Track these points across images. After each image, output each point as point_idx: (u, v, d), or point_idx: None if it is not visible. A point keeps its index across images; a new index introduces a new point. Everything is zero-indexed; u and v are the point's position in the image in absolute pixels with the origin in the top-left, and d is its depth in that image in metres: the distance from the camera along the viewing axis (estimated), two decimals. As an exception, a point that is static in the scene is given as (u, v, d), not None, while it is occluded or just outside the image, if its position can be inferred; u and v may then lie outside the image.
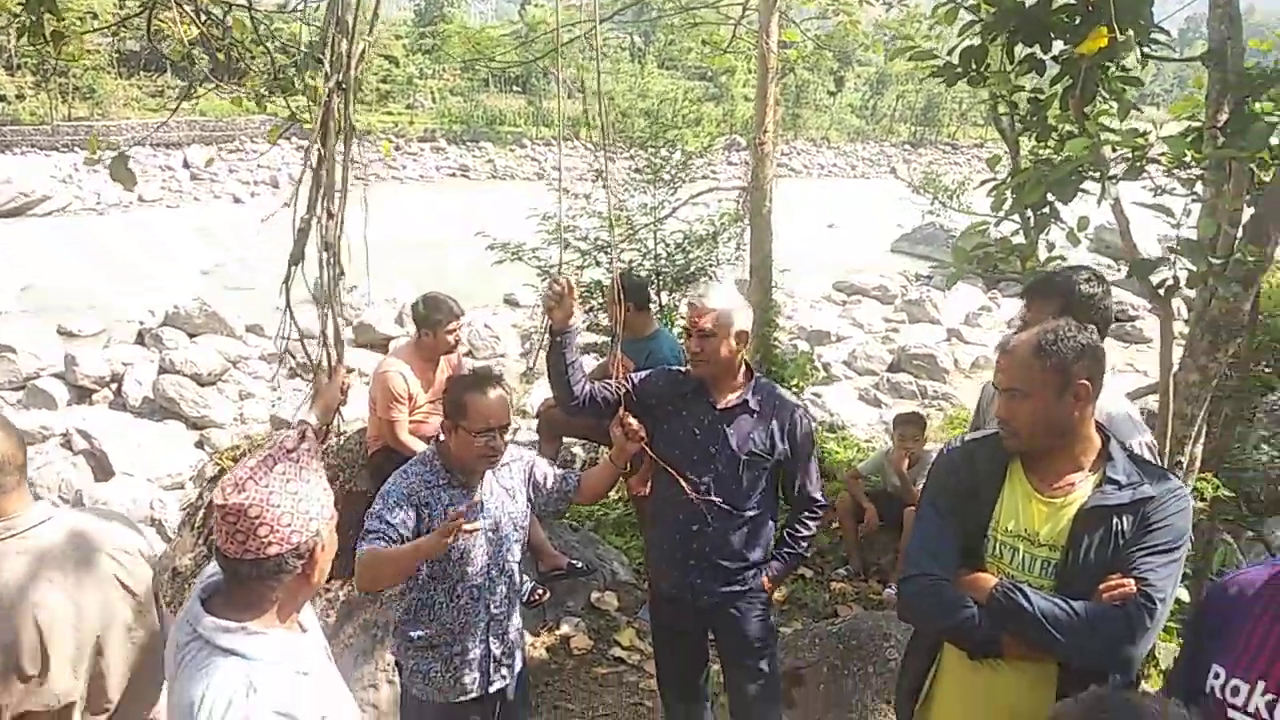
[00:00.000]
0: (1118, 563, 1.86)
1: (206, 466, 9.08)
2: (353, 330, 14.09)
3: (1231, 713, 1.62)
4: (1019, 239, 4.51)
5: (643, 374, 2.91)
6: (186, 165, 31.68)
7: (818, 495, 2.92)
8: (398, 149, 36.98)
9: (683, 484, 2.71)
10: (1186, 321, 4.64)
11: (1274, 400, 6.93)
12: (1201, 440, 4.90)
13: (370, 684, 3.94)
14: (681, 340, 2.83)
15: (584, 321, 8.33)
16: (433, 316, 4.23)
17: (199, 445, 10.97)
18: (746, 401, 2.79)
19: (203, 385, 12.19)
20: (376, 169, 33.08)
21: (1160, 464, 2.33)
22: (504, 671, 2.77)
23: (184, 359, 12.41)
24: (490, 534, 2.64)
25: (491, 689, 2.75)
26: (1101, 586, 1.85)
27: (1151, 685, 3.76)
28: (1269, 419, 6.87)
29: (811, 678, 3.66)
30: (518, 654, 2.84)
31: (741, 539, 2.81)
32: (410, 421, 4.21)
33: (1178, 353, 4.26)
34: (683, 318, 7.03)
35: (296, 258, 2.60)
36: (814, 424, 2.93)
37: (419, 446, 4.00)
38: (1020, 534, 1.94)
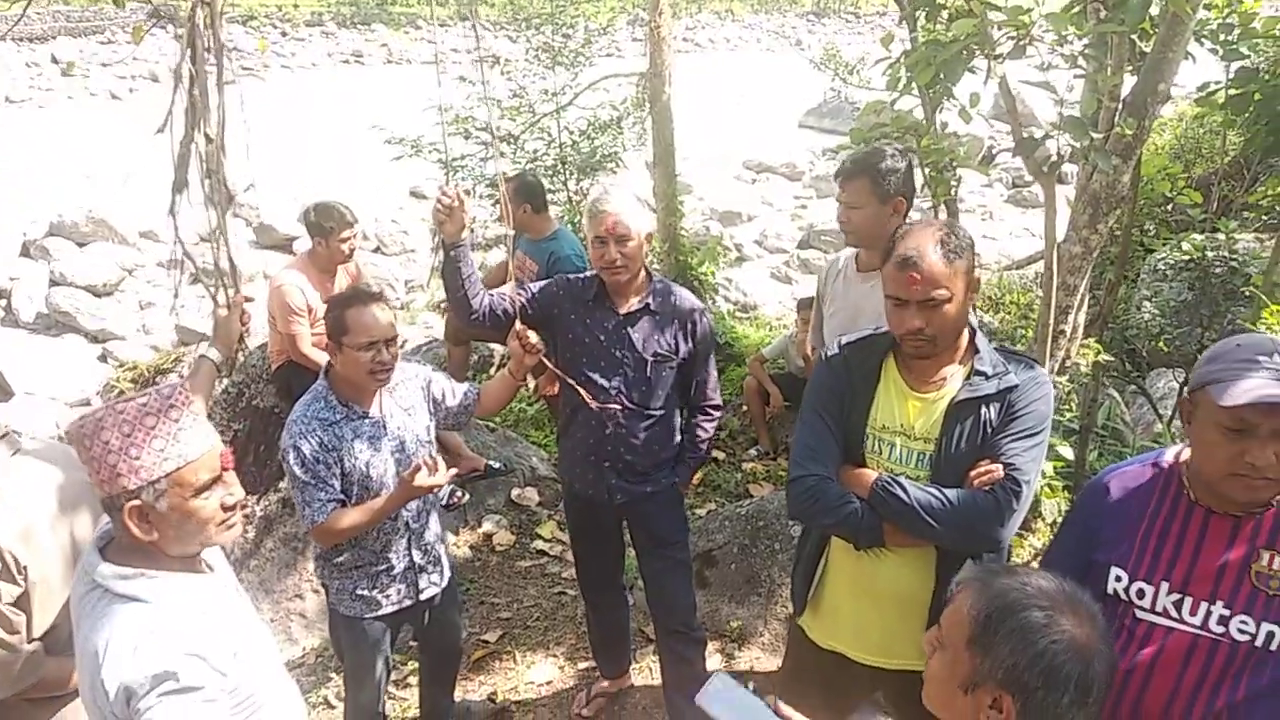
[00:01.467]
0: (986, 449, 1.98)
1: (115, 380, 8.81)
2: (254, 232, 13.58)
3: (1140, 614, 1.71)
4: (919, 113, 4.57)
5: (541, 284, 2.90)
6: (55, 61, 29.21)
7: (715, 398, 2.99)
8: (284, 34, 34.70)
9: (581, 392, 2.74)
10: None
11: (1155, 260, 7.25)
12: (1084, 308, 5.17)
13: (295, 595, 4.01)
14: (593, 249, 2.78)
15: (493, 215, 8.17)
16: (324, 224, 4.12)
17: (102, 359, 10.59)
18: (648, 305, 2.81)
19: (99, 296, 11.65)
20: (266, 58, 31.12)
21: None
22: (433, 578, 2.84)
23: (75, 270, 11.80)
24: (397, 454, 2.66)
25: (422, 597, 2.82)
26: (972, 474, 1.97)
27: (1039, 538, 4.06)
28: (1151, 278, 7.21)
29: (723, 558, 3.85)
30: (443, 559, 2.91)
31: (653, 436, 2.88)
32: (312, 334, 4.15)
33: (1063, 226, 4.43)
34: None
35: (179, 185, 2.49)
36: (712, 322, 2.96)
37: (323, 358, 3.95)
38: (897, 429, 2.04)
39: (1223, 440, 1.57)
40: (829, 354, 2.15)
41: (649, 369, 2.80)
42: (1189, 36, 3.87)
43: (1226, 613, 1.64)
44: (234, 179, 2.86)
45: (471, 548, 4.37)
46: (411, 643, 3.51)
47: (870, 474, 2.02)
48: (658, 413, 2.86)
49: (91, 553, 1.63)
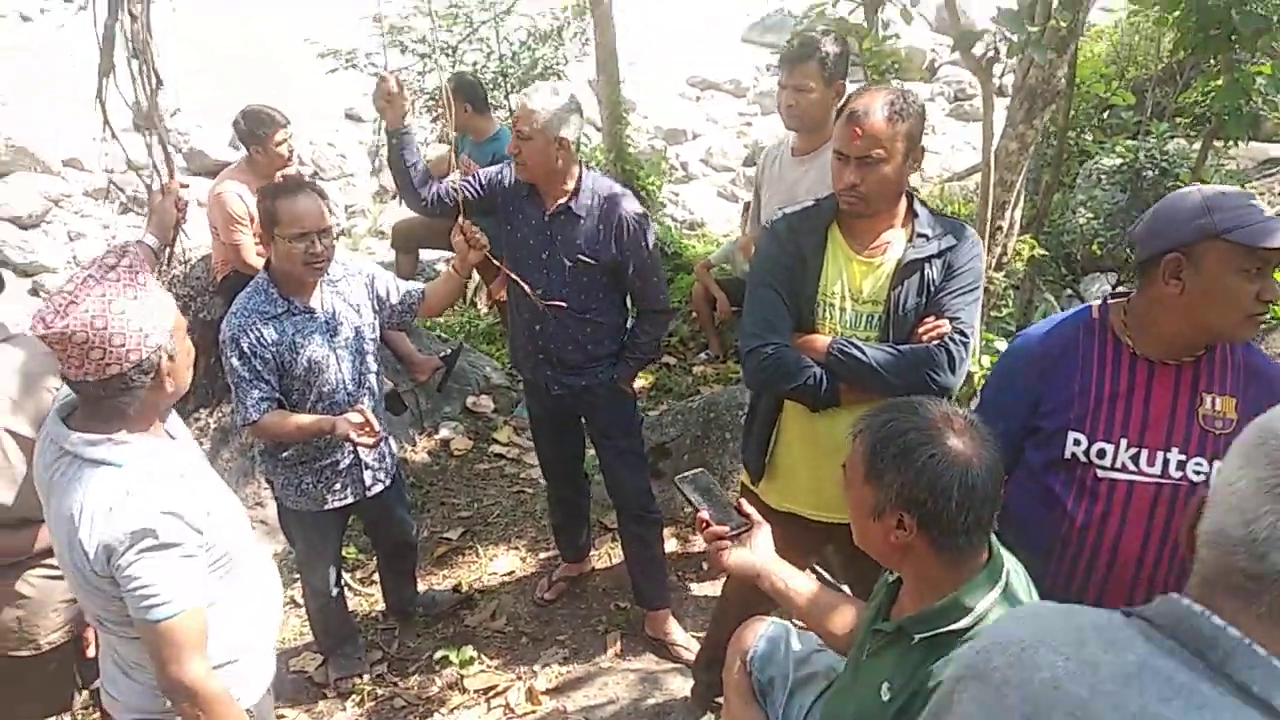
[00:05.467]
0: (931, 307, 2.09)
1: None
2: (184, 158, 13.11)
3: (1101, 473, 1.77)
4: (857, 17, 4.58)
5: (487, 170, 2.89)
6: (-46, -19, 27.47)
7: (657, 304, 2.93)
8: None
9: (524, 287, 2.77)
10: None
11: (1091, 165, 7.40)
12: (1020, 205, 5.30)
13: (255, 503, 4.03)
14: None
15: (435, 132, 8.01)
16: (258, 131, 4.03)
17: (33, 293, 10.28)
18: (570, 207, 2.76)
19: (25, 229, 11.20)
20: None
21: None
22: (380, 475, 2.89)
23: (-2, 201, 11.35)
24: (341, 350, 2.68)
25: (370, 494, 2.88)
26: (920, 330, 2.08)
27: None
28: (1087, 184, 7.36)
29: (676, 450, 3.97)
30: (389, 457, 2.95)
31: (583, 335, 2.88)
32: (256, 244, 4.09)
33: (999, 125, 4.51)
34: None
35: (105, 69, 2.42)
36: (648, 227, 2.84)
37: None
38: (846, 294, 2.12)
39: (1244, 284, 1.60)
40: (774, 224, 2.21)
41: (568, 272, 2.78)
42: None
43: (1183, 458, 1.73)
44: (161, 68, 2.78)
45: (430, 453, 4.43)
46: (364, 536, 3.60)
47: (823, 339, 2.10)
48: (589, 315, 2.85)
49: (55, 422, 1.64)
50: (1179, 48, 5.96)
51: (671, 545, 3.64)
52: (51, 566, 2.18)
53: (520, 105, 2.70)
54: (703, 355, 5.48)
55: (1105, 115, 7.85)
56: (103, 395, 1.59)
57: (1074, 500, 1.80)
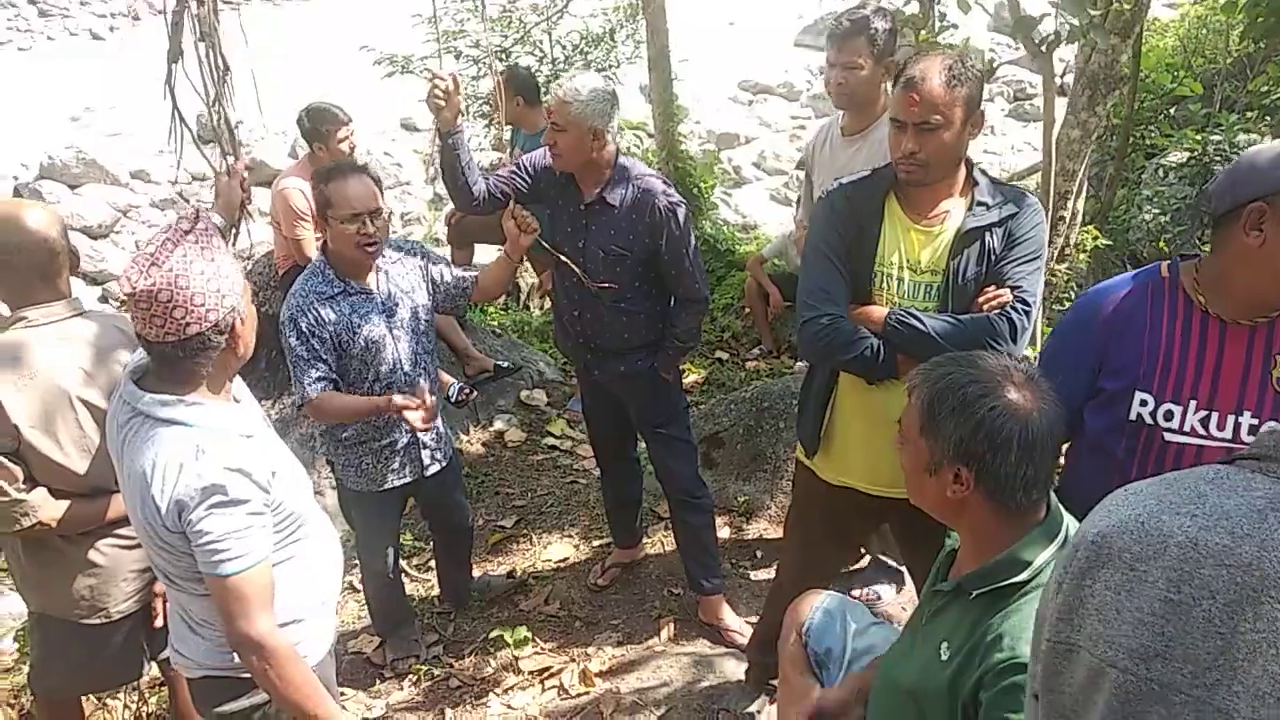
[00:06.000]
0: (992, 276, 2.05)
1: (114, 319, 8.87)
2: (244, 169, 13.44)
3: (1168, 436, 1.71)
4: (913, 7, 4.53)
5: (538, 154, 2.88)
6: (32, 1, 28.61)
7: (695, 292, 2.87)
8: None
9: (574, 268, 2.78)
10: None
11: (1159, 161, 7.20)
12: (1084, 196, 5.18)
13: (315, 491, 4.08)
14: None
15: (488, 137, 8.11)
16: (320, 128, 4.12)
17: (103, 300, 10.63)
18: (604, 198, 2.75)
19: (95, 238, 11.61)
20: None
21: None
22: (437, 455, 2.94)
23: (70, 212, 11.71)
24: (398, 331, 2.72)
25: (427, 474, 2.92)
26: (981, 299, 2.04)
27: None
28: (1153, 179, 7.16)
29: (729, 439, 3.95)
30: (445, 439, 3.00)
31: (619, 324, 2.87)
32: (316, 238, 4.18)
33: (1060, 114, 4.41)
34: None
35: (174, 55, 2.49)
36: (683, 215, 2.77)
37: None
38: (904, 264, 2.09)
39: None
40: (830, 194, 2.19)
41: (601, 262, 2.78)
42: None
43: (1255, 421, 1.65)
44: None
45: (484, 444, 4.47)
46: (420, 523, 3.64)
47: (880, 310, 2.07)
48: (621, 302, 2.85)
49: (127, 384, 1.69)
50: (1246, 36, 5.79)
51: (724, 533, 3.62)
52: (123, 536, 2.24)
53: (554, 97, 2.69)
54: (755, 351, 5.45)
55: (1173, 110, 7.64)
56: (181, 356, 1.63)
57: (1139, 467, 1.74)
